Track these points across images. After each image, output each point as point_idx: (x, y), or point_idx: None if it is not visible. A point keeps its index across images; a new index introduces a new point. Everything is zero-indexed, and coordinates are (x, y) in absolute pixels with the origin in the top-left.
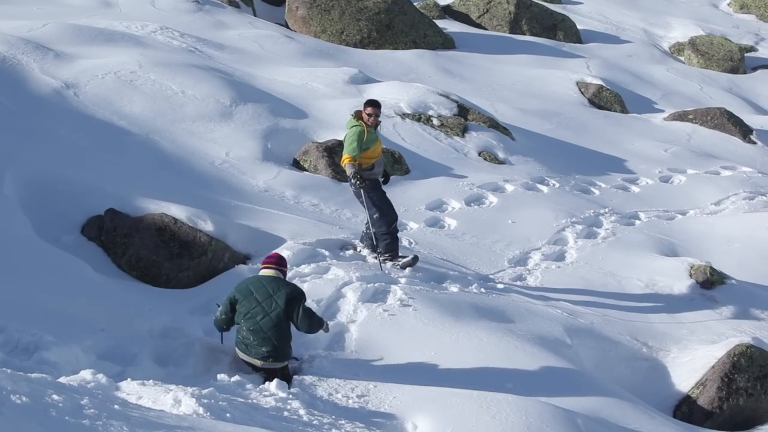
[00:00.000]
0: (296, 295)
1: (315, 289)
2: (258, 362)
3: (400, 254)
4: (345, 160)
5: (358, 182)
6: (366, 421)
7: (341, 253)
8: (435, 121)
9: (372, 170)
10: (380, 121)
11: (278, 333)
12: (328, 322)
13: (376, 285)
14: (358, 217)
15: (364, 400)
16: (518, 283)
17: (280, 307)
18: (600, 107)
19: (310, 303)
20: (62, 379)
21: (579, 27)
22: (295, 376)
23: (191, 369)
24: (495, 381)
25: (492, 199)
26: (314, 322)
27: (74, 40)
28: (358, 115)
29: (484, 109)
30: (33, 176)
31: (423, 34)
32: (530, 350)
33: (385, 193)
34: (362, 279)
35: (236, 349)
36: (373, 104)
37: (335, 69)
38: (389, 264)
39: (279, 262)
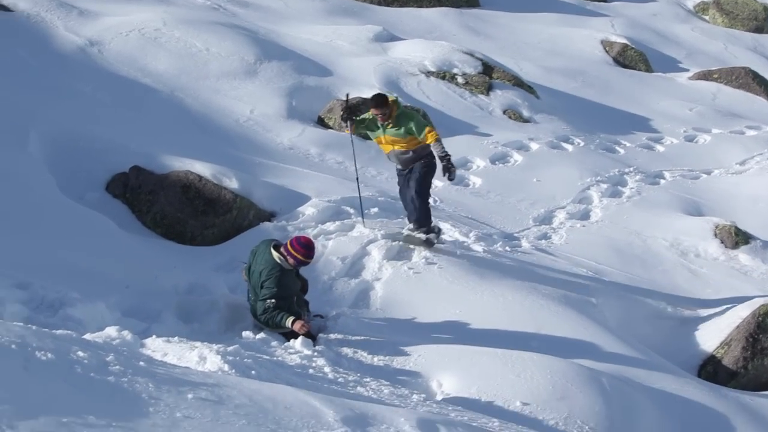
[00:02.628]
0: (264, 283)
1: (340, 247)
2: (263, 333)
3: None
4: None
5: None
6: (391, 379)
7: (367, 211)
8: (460, 79)
9: None
10: (385, 117)
11: None
12: (294, 323)
13: (401, 243)
14: (383, 175)
15: (389, 358)
16: (543, 241)
17: (258, 289)
18: (625, 66)
19: (334, 261)
20: (87, 336)
21: None
22: (320, 334)
23: (215, 326)
24: (520, 339)
25: (517, 157)
26: (262, 312)
27: None
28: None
29: (508, 68)
30: (57, 134)
31: None
32: (555, 309)
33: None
34: (387, 237)
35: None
36: (374, 103)
37: (360, 27)
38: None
39: (296, 252)
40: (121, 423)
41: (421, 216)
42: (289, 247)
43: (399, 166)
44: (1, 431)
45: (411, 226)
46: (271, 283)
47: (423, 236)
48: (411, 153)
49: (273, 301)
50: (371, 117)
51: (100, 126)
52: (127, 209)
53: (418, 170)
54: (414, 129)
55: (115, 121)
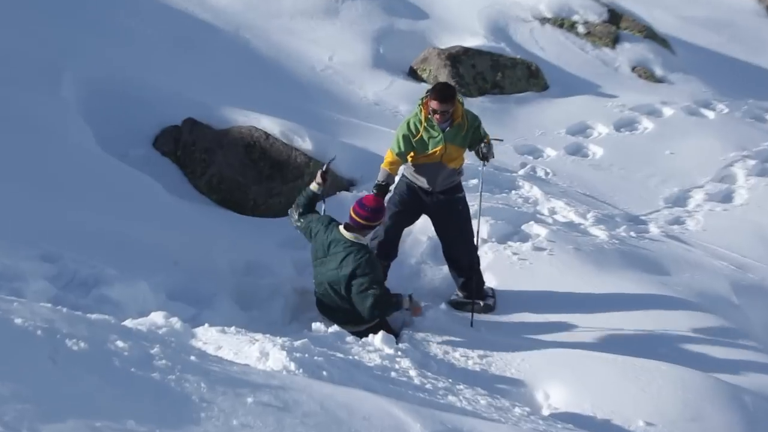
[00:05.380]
0: (357, 272)
1: (429, 223)
2: (336, 326)
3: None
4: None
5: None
6: (489, 388)
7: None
8: (580, 28)
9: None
10: (446, 118)
11: (348, 302)
12: (411, 301)
13: (507, 221)
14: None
15: (487, 361)
16: (676, 227)
17: (343, 284)
18: None
19: (423, 240)
20: (128, 323)
21: None
22: (404, 330)
23: (279, 315)
24: (645, 345)
25: (646, 124)
26: (373, 305)
27: None
28: (424, 105)
29: (639, 16)
30: (97, 77)
31: None
32: (688, 310)
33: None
34: (489, 211)
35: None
36: (438, 97)
37: None
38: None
39: (368, 218)
40: (166, 431)
41: (480, 279)
42: (352, 214)
43: (430, 187)
44: None
45: (460, 294)
46: (368, 268)
47: (481, 302)
48: (458, 177)
49: (378, 287)
50: (424, 122)
51: (149, 69)
52: (178, 170)
53: (462, 213)
54: (480, 134)
55: (166, 65)
